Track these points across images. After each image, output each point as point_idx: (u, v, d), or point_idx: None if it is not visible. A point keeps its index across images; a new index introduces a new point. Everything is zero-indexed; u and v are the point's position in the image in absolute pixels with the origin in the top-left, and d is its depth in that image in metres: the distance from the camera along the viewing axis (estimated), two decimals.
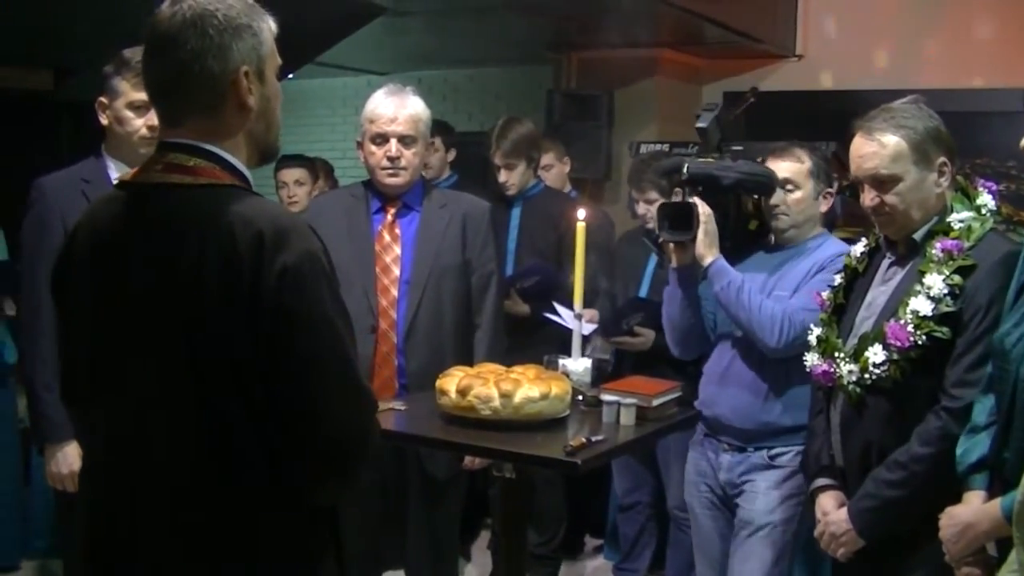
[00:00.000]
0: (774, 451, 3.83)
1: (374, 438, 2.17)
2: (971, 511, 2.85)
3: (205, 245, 2.03)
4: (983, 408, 2.89)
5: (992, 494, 2.82)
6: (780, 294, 3.76)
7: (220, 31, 2.10)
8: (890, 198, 3.15)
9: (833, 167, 5.91)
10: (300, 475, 2.10)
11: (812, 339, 3.40)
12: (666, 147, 6.60)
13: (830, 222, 4.07)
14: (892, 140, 3.12)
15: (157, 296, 2.07)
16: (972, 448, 2.88)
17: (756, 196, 3.87)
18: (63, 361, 2.34)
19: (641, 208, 5.16)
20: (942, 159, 3.15)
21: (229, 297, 2.01)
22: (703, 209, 3.74)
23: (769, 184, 3.79)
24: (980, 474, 2.87)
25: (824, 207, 3.90)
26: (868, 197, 3.19)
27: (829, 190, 3.90)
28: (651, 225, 5.14)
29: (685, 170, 3.82)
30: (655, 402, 3.17)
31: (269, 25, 2.21)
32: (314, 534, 2.20)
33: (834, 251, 3.76)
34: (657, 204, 5.04)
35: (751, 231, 3.92)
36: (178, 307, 2.05)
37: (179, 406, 2.07)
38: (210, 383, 2.04)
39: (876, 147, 3.14)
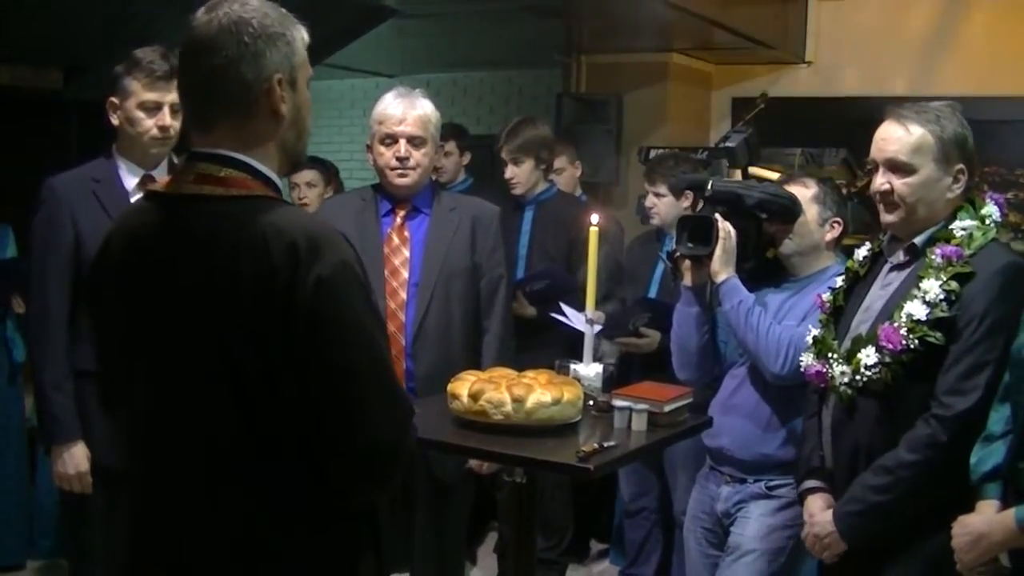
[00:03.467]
0: (773, 483, 3.81)
1: (410, 444, 2.19)
2: (985, 521, 2.84)
3: (238, 256, 2.04)
4: (999, 417, 2.88)
5: (1006, 504, 2.81)
6: (789, 323, 3.73)
7: (255, 38, 2.13)
8: (900, 186, 3.15)
9: (842, 174, 5.92)
10: (337, 480, 2.13)
11: (809, 339, 3.41)
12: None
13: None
14: (919, 131, 3.13)
15: (192, 307, 2.09)
16: (987, 457, 2.88)
17: (779, 221, 3.81)
18: (100, 367, 2.38)
19: (649, 200, 5.16)
20: (960, 167, 3.15)
21: (264, 308, 2.02)
22: (723, 225, 3.71)
23: (791, 208, 3.73)
24: (994, 483, 2.87)
25: (830, 235, 3.84)
26: (879, 181, 3.20)
27: (836, 219, 3.83)
28: (656, 221, 5.17)
29: (709, 187, 3.80)
30: (667, 408, 3.15)
31: (302, 35, 2.23)
32: (354, 533, 2.24)
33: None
34: (665, 199, 5.10)
35: (769, 259, 3.89)
36: (213, 319, 2.06)
37: (216, 415, 2.09)
38: (248, 391, 2.06)
39: (902, 133, 3.15)
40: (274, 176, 2.22)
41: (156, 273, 2.15)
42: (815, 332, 3.40)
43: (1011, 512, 2.74)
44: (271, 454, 2.09)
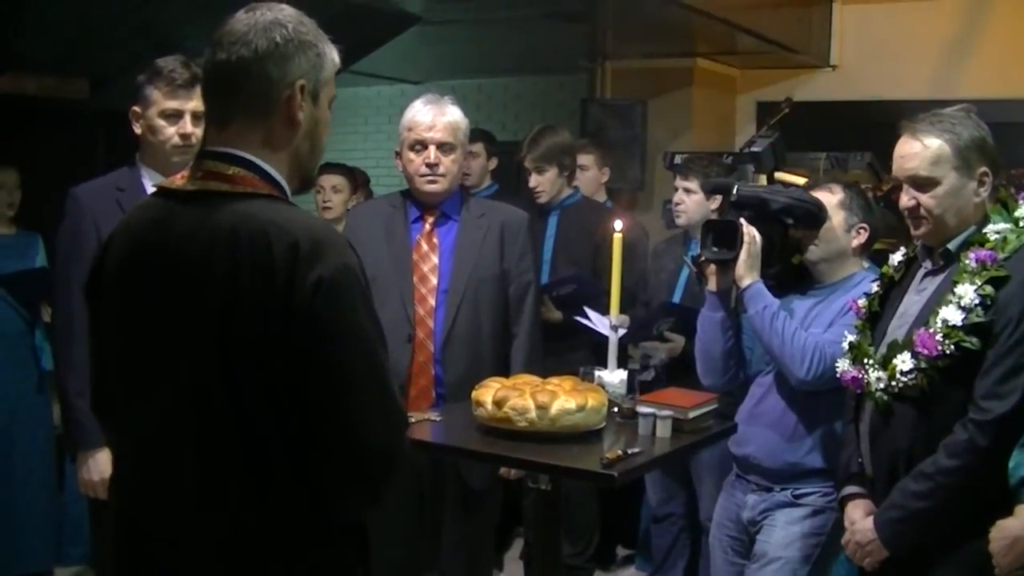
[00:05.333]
0: (800, 491, 3.79)
1: (401, 455, 2.17)
2: (1021, 524, 2.82)
3: (239, 252, 2.04)
4: None
5: None
6: (815, 330, 3.70)
7: (287, 40, 2.15)
8: (927, 200, 3.13)
9: (867, 178, 5.90)
10: (329, 484, 2.11)
11: (844, 345, 3.38)
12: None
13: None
14: (935, 143, 3.11)
15: (189, 302, 2.08)
16: None
17: (804, 227, 3.79)
18: (93, 368, 2.35)
19: (677, 197, 5.14)
20: (983, 169, 3.13)
21: (262, 306, 2.02)
22: (748, 229, 3.70)
23: (817, 214, 3.71)
24: None
25: (856, 242, 3.81)
26: (905, 198, 3.18)
27: (862, 225, 3.80)
28: (681, 221, 5.16)
29: (735, 192, 3.79)
30: (691, 414, 3.15)
31: (333, 55, 2.25)
32: (342, 549, 2.21)
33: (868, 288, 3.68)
34: (694, 196, 5.08)
35: (794, 265, 3.87)
36: (210, 314, 2.05)
37: (209, 414, 2.07)
38: (241, 391, 2.05)
39: (919, 148, 3.13)
40: (282, 180, 2.21)
41: (155, 268, 2.14)
42: (851, 337, 3.37)
43: None
44: (265, 459, 2.07)
